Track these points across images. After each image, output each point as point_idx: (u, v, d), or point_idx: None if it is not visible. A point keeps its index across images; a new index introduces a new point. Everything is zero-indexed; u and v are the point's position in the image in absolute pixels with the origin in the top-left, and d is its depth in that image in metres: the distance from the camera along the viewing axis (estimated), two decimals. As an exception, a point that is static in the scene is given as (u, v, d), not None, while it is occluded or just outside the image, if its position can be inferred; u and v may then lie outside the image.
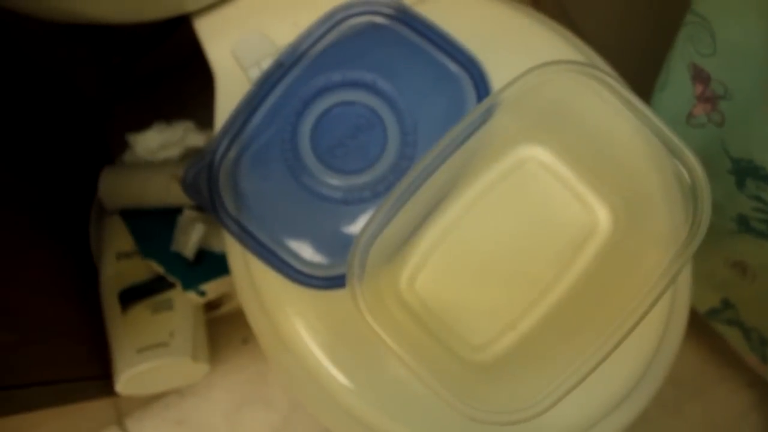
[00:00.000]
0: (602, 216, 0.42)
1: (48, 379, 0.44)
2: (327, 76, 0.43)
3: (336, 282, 0.40)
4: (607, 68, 0.48)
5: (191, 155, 0.54)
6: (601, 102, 0.38)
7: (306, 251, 0.41)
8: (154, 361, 0.49)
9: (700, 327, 0.63)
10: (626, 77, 0.46)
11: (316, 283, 0.41)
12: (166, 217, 0.53)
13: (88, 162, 0.63)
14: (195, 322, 0.52)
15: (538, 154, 0.43)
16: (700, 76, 0.42)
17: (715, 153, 0.45)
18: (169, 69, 0.72)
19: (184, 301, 0.52)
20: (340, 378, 0.41)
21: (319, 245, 0.41)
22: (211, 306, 0.57)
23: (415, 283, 0.41)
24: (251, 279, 0.43)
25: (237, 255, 0.44)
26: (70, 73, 0.66)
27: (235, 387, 0.70)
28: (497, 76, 0.43)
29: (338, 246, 0.41)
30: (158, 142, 0.53)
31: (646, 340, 0.42)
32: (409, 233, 0.41)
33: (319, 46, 0.44)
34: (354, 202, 0.42)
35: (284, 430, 0.68)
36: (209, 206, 0.42)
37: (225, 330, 0.70)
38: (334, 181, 0.42)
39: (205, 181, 0.43)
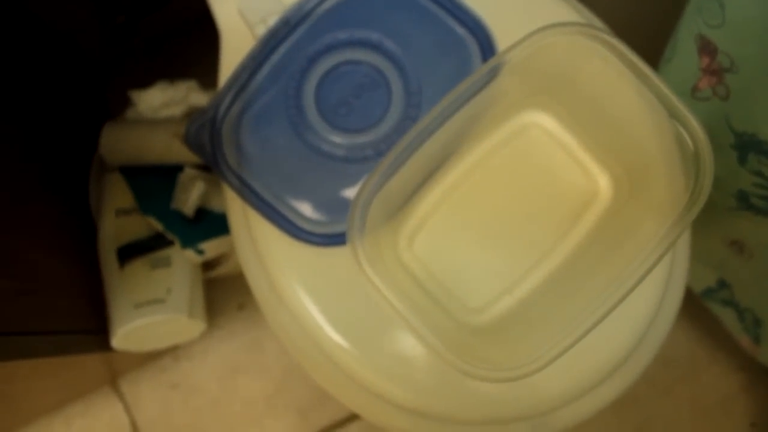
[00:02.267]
0: (603, 183, 0.42)
1: (44, 329, 0.44)
2: (333, 35, 0.43)
3: (336, 239, 0.41)
4: (611, 33, 0.48)
5: (194, 114, 0.54)
6: (605, 65, 0.38)
7: (307, 208, 0.41)
8: (150, 316, 0.49)
9: (694, 309, 0.63)
10: (639, 50, 0.46)
11: (316, 240, 0.41)
12: (167, 175, 0.53)
13: (89, 120, 0.63)
14: (192, 280, 0.52)
15: (541, 120, 0.43)
16: (707, 48, 0.42)
17: (719, 127, 0.45)
18: (173, 30, 0.72)
19: (182, 259, 0.52)
20: (337, 337, 0.41)
21: (320, 202, 0.41)
22: (208, 266, 0.57)
23: (414, 243, 0.41)
24: (251, 235, 0.43)
25: (237, 211, 0.44)
26: (73, 31, 0.66)
27: (229, 353, 0.70)
28: (503, 40, 0.43)
29: (339, 204, 0.41)
30: (161, 100, 0.53)
31: (641, 309, 0.42)
32: (409, 193, 0.41)
33: (326, 5, 0.44)
34: (356, 160, 0.42)
35: (277, 396, 0.69)
36: (211, 160, 0.42)
37: (221, 296, 0.70)
38: (337, 138, 0.42)
39: (207, 136, 0.43)
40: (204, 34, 0.71)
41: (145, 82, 0.65)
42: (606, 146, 0.42)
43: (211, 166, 0.42)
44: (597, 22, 0.48)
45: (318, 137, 0.42)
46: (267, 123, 0.42)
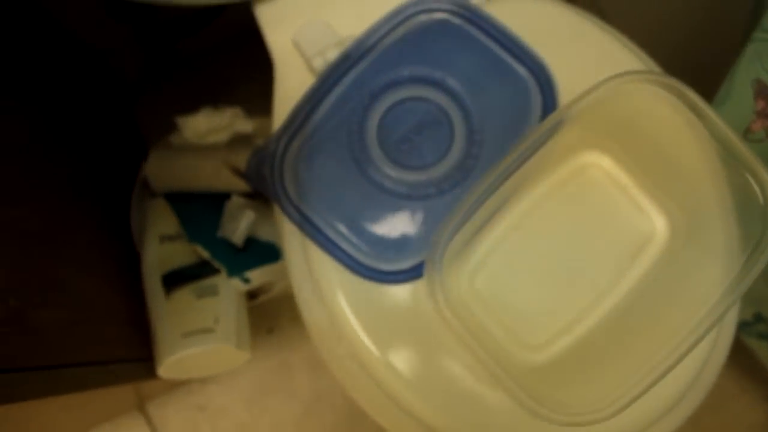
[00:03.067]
0: (660, 224, 0.42)
1: (96, 359, 0.44)
2: (395, 71, 0.43)
3: (399, 276, 0.41)
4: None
5: (239, 141, 0.54)
6: (673, 112, 0.38)
7: (368, 244, 0.41)
8: (198, 346, 0.49)
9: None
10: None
11: (377, 276, 0.41)
12: (212, 202, 0.53)
13: (126, 143, 0.63)
14: (238, 309, 0.52)
15: (599, 160, 0.43)
16: (763, 92, 0.43)
17: (770, 169, 0.46)
18: (208, 53, 0.72)
19: (229, 288, 0.52)
20: (397, 374, 0.41)
21: (381, 238, 0.41)
22: (251, 294, 0.57)
23: (475, 281, 0.41)
24: (310, 270, 0.43)
25: (295, 245, 0.44)
26: (111, 52, 0.66)
27: (258, 376, 0.69)
28: (561, 78, 0.44)
29: (400, 240, 0.41)
30: (207, 126, 0.53)
31: (696, 353, 0.42)
32: (471, 233, 0.41)
33: (387, 41, 0.44)
34: (418, 197, 0.42)
35: (306, 420, 0.68)
36: (272, 194, 0.42)
37: (250, 320, 0.70)
38: (400, 175, 0.42)
39: (268, 170, 0.42)
40: (239, 57, 0.72)
41: (178, 103, 0.65)
42: (665, 188, 0.42)
43: (273, 200, 0.42)
44: (654, 66, 0.48)
45: (380, 173, 0.42)
46: (329, 158, 0.42)
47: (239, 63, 0.69)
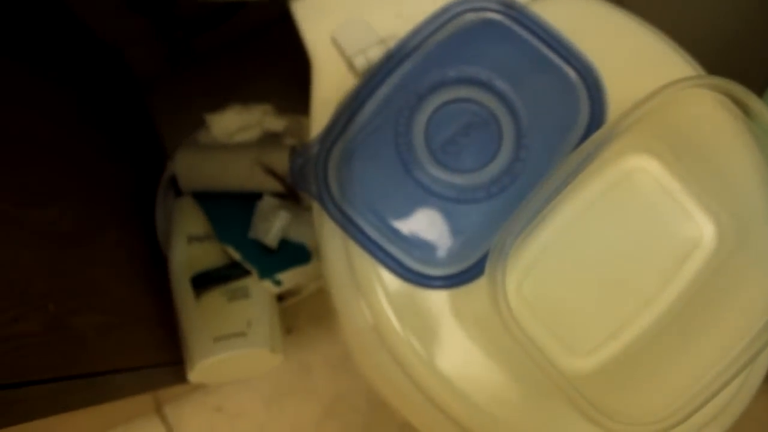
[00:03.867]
0: (708, 231, 0.42)
1: (131, 365, 0.43)
2: (442, 72, 0.42)
3: (447, 282, 0.40)
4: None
5: (269, 139, 0.53)
6: (725, 115, 0.38)
7: (415, 247, 0.40)
8: (232, 350, 0.47)
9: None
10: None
11: (423, 281, 0.40)
12: (242, 202, 0.52)
13: (145, 142, 0.61)
14: (271, 311, 0.51)
15: (647, 164, 0.43)
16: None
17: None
18: (226, 48, 0.70)
19: (261, 290, 0.50)
20: (442, 376, 0.40)
21: (428, 242, 0.41)
22: (280, 296, 0.56)
23: (523, 287, 0.41)
24: (352, 272, 0.42)
25: (337, 247, 0.43)
26: (128, 46, 0.64)
27: (277, 376, 0.68)
28: (610, 81, 0.43)
29: (448, 245, 0.40)
30: (236, 124, 0.51)
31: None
32: (521, 239, 0.41)
33: (433, 40, 0.43)
34: (467, 201, 0.41)
35: (327, 420, 0.67)
36: (317, 196, 0.41)
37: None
38: (447, 177, 0.41)
39: (312, 172, 0.41)
40: (257, 52, 0.70)
41: (194, 97, 0.63)
42: (713, 193, 0.42)
43: (317, 201, 0.41)
44: (697, 65, 0.48)
45: (428, 176, 0.41)
46: (374, 159, 0.42)
47: (257, 59, 0.68)
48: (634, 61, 0.44)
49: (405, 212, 0.41)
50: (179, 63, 0.66)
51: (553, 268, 0.41)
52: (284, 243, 0.52)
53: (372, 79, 0.42)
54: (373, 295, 0.41)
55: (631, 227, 0.42)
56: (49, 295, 0.37)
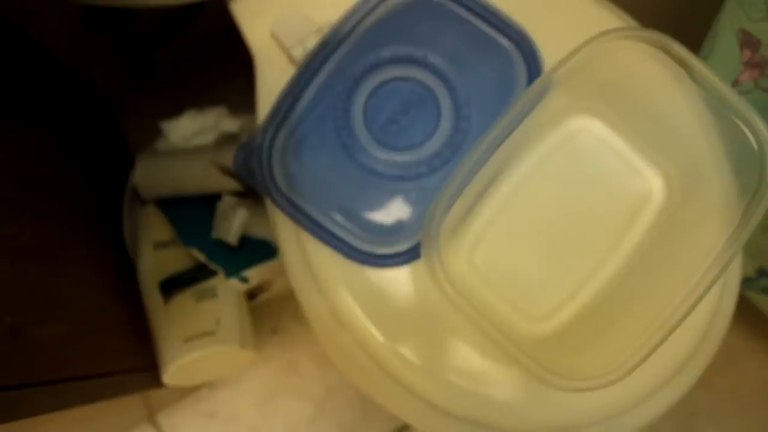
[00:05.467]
0: (657, 185, 0.42)
1: (100, 371, 0.43)
2: (376, 53, 0.43)
3: (397, 259, 0.40)
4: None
5: (225, 141, 0.53)
6: (661, 68, 0.38)
7: (363, 228, 0.41)
8: (202, 350, 0.48)
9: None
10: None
11: (374, 261, 0.40)
12: (204, 204, 0.52)
13: (111, 155, 0.62)
14: (239, 308, 0.51)
15: (590, 124, 0.43)
16: (749, 42, 0.43)
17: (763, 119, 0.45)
18: (188, 57, 0.71)
19: (228, 289, 0.51)
20: (405, 356, 0.40)
21: (375, 222, 0.41)
22: (250, 294, 0.56)
23: (474, 256, 0.41)
24: (306, 260, 0.42)
25: (290, 237, 0.43)
26: (88, 66, 0.65)
27: (266, 377, 0.69)
28: (544, 46, 0.43)
29: (395, 222, 0.41)
30: (192, 128, 0.52)
31: (703, 308, 0.42)
32: (465, 209, 0.41)
33: (366, 23, 0.43)
34: (410, 178, 0.41)
35: (319, 417, 0.68)
36: (262, 187, 0.41)
37: (254, 321, 0.69)
38: (389, 157, 0.42)
39: (257, 163, 0.42)
40: (218, 59, 0.71)
41: (160, 110, 0.64)
42: (658, 147, 0.42)
43: (263, 193, 0.42)
44: (633, 22, 0.48)
45: (370, 157, 0.42)
46: (317, 146, 0.42)
47: (218, 64, 0.69)
48: (568, 24, 0.44)
49: (351, 195, 0.41)
50: (140, 77, 0.67)
51: (504, 236, 0.41)
52: (248, 240, 0.52)
53: (308, 67, 0.43)
54: (327, 280, 0.41)
55: (580, 188, 0.42)
56: (6, 308, 0.38)
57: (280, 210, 0.41)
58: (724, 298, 0.44)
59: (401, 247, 0.40)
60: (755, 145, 0.35)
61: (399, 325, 0.41)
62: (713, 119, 0.38)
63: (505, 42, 0.43)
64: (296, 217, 0.41)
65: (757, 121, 0.35)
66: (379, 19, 0.44)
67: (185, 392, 0.67)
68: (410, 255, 0.40)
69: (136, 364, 0.49)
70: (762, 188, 0.35)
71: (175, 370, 0.48)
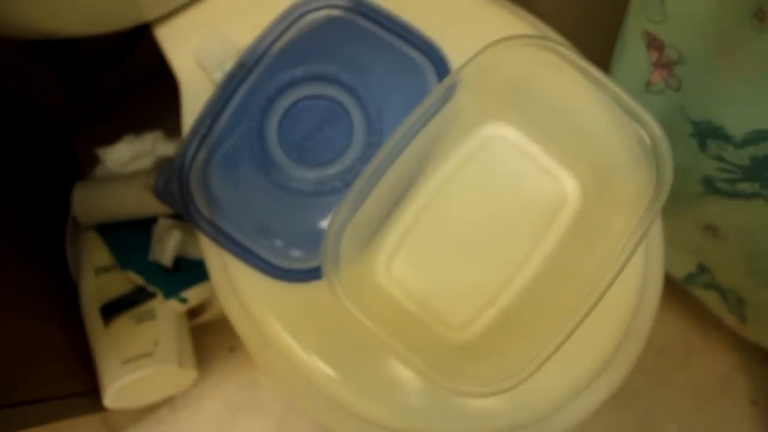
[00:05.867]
0: (570, 187, 0.43)
1: (37, 397, 0.44)
2: (289, 72, 0.44)
3: (313, 274, 0.41)
4: (562, 41, 0.49)
5: (163, 165, 0.54)
6: (558, 73, 0.38)
7: (282, 245, 0.41)
8: (140, 371, 0.49)
9: (681, 296, 0.64)
10: (590, 52, 0.48)
11: (294, 277, 0.41)
12: (142, 228, 0.53)
13: (60, 180, 0.63)
14: (178, 329, 0.52)
15: (503, 131, 0.43)
16: (654, 43, 0.43)
17: (676, 118, 0.46)
18: (137, 81, 0.72)
19: (166, 310, 0.52)
20: (326, 370, 0.41)
21: (294, 239, 0.42)
22: (194, 313, 0.57)
23: (392, 267, 0.41)
24: (230, 279, 0.43)
25: (214, 257, 0.44)
26: (36, 95, 0.66)
27: (226, 396, 0.69)
28: (456, 59, 0.44)
29: (313, 238, 0.41)
30: (128, 154, 0.53)
31: (622, 303, 0.42)
32: (381, 219, 0.41)
33: (280, 44, 0.44)
34: (325, 193, 0.42)
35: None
36: (182, 210, 0.42)
37: (211, 340, 0.70)
38: (305, 174, 0.42)
39: (176, 186, 0.43)
40: (167, 83, 0.72)
41: (115, 134, 0.65)
42: (569, 150, 0.42)
43: (183, 216, 0.43)
44: (549, 31, 0.49)
45: (285, 175, 0.42)
46: (234, 166, 0.43)
47: (166, 87, 0.69)
48: (479, 34, 0.45)
49: (269, 213, 0.42)
50: (92, 105, 0.69)
51: (422, 245, 0.42)
52: (186, 261, 0.53)
53: (225, 89, 0.44)
54: (249, 298, 0.42)
55: (497, 195, 0.43)
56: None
57: (201, 231, 0.42)
58: (646, 295, 0.44)
59: (318, 262, 0.41)
60: (649, 142, 0.36)
61: (318, 337, 0.41)
62: (616, 120, 0.39)
63: (414, 53, 0.44)
64: (216, 238, 0.42)
65: (647, 117, 0.35)
66: (293, 39, 0.44)
67: (145, 413, 0.68)
68: (328, 269, 0.41)
69: (79, 388, 0.50)
70: (660, 182, 0.36)
71: (114, 393, 0.49)
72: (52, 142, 0.67)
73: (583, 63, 0.37)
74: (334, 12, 0.45)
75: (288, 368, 0.43)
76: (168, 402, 0.69)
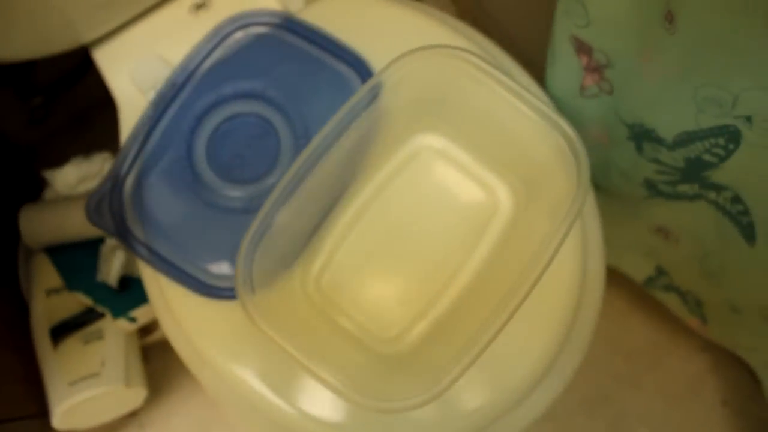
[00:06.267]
0: (503, 196, 0.42)
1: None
2: (218, 91, 0.44)
3: (243, 291, 0.41)
4: (499, 52, 0.49)
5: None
6: (478, 84, 0.38)
7: (214, 264, 0.41)
8: (86, 392, 0.49)
9: (647, 299, 0.63)
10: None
11: (226, 294, 0.41)
12: (91, 249, 0.53)
13: (21, 203, 0.63)
14: (127, 348, 0.52)
15: (432, 141, 0.43)
16: (582, 47, 0.43)
17: (613, 121, 0.46)
18: (98, 102, 0.72)
19: (114, 330, 0.52)
20: (259, 388, 0.40)
21: (225, 256, 0.42)
22: (146, 330, 0.57)
23: (321, 282, 0.41)
24: (165, 299, 0.43)
25: (151, 277, 0.44)
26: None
27: (194, 411, 0.69)
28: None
29: (243, 255, 0.41)
30: (76, 176, 0.53)
31: (559, 309, 0.42)
32: (308, 233, 0.41)
33: (209, 62, 0.45)
34: (255, 210, 0.41)
35: (247, 448, 0.68)
36: (114, 232, 0.42)
37: (175, 357, 0.70)
38: (234, 192, 0.42)
39: (107, 207, 0.43)
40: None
41: (72, 155, 0.65)
42: (499, 159, 0.42)
43: (116, 238, 0.43)
44: (487, 43, 0.49)
45: (215, 194, 0.42)
46: (165, 187, 0.43)
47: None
48: (408, 46, 0.45)
49: (199, 231, 0.42)
50: (46, 126, 0.69)
51: (353, 259, 0.42)
52: (133, 281, 0.53)
53: (156, 108, 0.44)
54: (184, 319, 0.42)
55: (429, 204, 0.43)
56: None
57: (132, 252, 0.42)
58: (583, 304, 0.44)
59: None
60: (565, 145, 0.36)
61: (255, 356, 0.41)
62: (537, 127, 0.39)
63: (342, 68, 0.43)
64: (149, 259, 0.42)
65: (562, 123, 0.35)
66: (223, 57, 0.45)
67: (112, 431, 0.68)
68: (258, 286, 0.41)
69: (31, 410, 0.50)
70: (579, 184, 0.35)
71: (62, 415, 0.49)
72: (12, 164, 0.67)
73: (496, 73, 0.37)
74: (263, 29, 0.45)
75: (224, 388, 0.43)
76: (136, 419, 0.69)
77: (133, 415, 0.66)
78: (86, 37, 0.48)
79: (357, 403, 0.33)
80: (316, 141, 0.36)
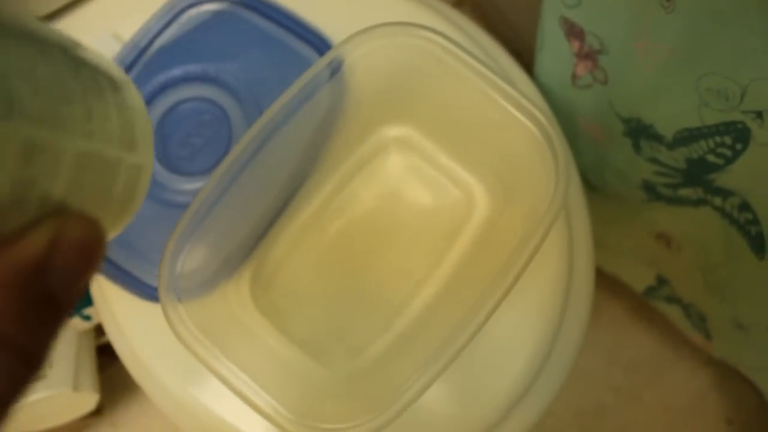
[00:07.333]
0: (478, 194, 0.38)
1: None
2: (167, 72, 0.39)
3: (186, 296, 0.37)
4: (490, 43, 0.43)
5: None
6: (444, 68, 0.33)
7: (154, 264, 0.38)
8: (30, 395, 0.45)
9: (650, 309, 0.58)
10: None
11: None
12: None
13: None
14: (78, 349, 0.48)
15: (401, 133, 0.39)
16: (573, 30, 0.38)
17: (608, 115, 0.41)
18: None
19: (66, 328, 0.48)
20: (194, 396, 0.37)
21: (168, 256, 0.38)
22: (102, 330, 0.54)
23: (271, 290, 0.37)
24: (107, 302, 0.39)
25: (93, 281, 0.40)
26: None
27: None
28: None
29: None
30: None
31: (542, 314, 0.37)
32: (258, 233, 0.37)
33: (160, 41, 0.40)
34: (202, 206, 0.38)
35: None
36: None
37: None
38: (183, 185, 0.38)
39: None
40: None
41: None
42: (473, 153, 0.38)
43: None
44: (477, 31, 0.44)
45: (161, 187, 0.38)
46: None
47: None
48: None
49: (143, 230, 0.38)
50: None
51: (308, 265, 0.37)
52: (88, 277, 0.50)
53: (100, 93, 0.40)
54: (124, 323, 0.39)
55: (397, 205, 0.38)
56: None
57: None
58: (570, 307, 0.39)
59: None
60: (541, 137, 0.31)
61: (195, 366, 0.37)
62: (513, 118, 0.34)
63: (305, 49, 0.39)
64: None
65: (536, 112, 0.31)
66: (176, 36, 0.40)
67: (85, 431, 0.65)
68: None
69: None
70: (557, 180, 0.31)
71: (6, 420, 0.46)
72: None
73: (464, 54, 0.32)
74: (220, 6, 0.41)
75: (165, 396, 0.39)
76: (108, 419, 0.66)
77: (104, 415, 0.63)
78: (39, 11, 0.44)
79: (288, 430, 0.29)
80: (262, 120, 0.32)
